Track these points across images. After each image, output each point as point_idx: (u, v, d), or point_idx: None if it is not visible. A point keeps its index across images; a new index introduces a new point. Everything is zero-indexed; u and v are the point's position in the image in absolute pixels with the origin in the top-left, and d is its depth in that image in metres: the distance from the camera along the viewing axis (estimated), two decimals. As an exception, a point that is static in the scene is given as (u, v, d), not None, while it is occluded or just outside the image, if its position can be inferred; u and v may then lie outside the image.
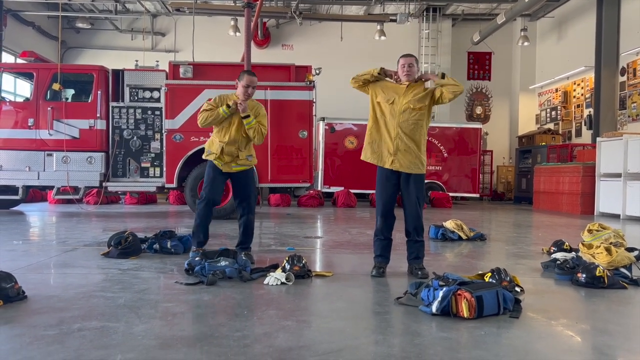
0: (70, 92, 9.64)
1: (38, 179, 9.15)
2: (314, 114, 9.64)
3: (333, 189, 13.89)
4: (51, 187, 9.48)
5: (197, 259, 4.23)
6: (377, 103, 4.24)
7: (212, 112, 4.77)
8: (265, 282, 3.85)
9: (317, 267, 4.71)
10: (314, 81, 9.55)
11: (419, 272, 4.12)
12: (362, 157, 4.35)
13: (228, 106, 4.73)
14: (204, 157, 4.92)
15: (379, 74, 4.23)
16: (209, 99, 5.00)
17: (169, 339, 2.58)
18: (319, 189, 13.91)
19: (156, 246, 5.17)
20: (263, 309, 3.21)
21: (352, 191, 13.51)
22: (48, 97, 9.18)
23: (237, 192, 4.98)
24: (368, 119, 4.33)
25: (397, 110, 4.12)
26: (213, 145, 4.86)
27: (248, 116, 4.76)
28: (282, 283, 3.82)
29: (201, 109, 4.89)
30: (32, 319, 2.89)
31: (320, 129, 13.98)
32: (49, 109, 9.06)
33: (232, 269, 3.97)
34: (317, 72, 9.82)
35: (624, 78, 13.31)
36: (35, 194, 12.94)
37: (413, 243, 4.27)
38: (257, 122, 4.86)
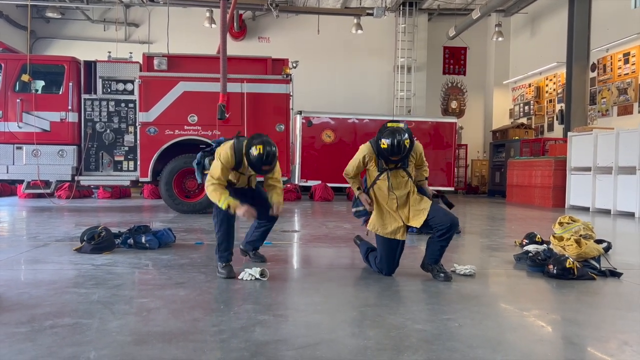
0: (40, 84, 9.39)
1: (7, 172, 8.89)
2: (290, 107, 9.60)
3: (310, 183, 13.89)
4: (21, 181, 9.22)
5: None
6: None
7: (219, 189, 3.89)
8: (240, 277, 3.82)
9: (295, 262, 4.71)
10: (290, 74, 9.51)
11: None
12: None
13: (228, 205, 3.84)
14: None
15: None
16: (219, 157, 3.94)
17: (144, 334, 2.55)
18: (296, 182, 13.90)
19: (130, 241, 5.11)
20: (240, 304, 3.20)
21: (330, 185, 13.53)
22: (17, 88, 8.93)
23: (257, 201, 4.26)
24: None
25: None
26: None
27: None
28: (256, 279, 3.80)
29: (210, 179, 3.91)
30: (2, 316, 2.82)
31: (297, 122, 13.93)
32: (18, 100, 8.82)
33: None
34: (294, 65, 9.79)
35: (595, 74, 13.63)
36: (5, 188, 12.61)
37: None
38: (279, 189, 4.29)
